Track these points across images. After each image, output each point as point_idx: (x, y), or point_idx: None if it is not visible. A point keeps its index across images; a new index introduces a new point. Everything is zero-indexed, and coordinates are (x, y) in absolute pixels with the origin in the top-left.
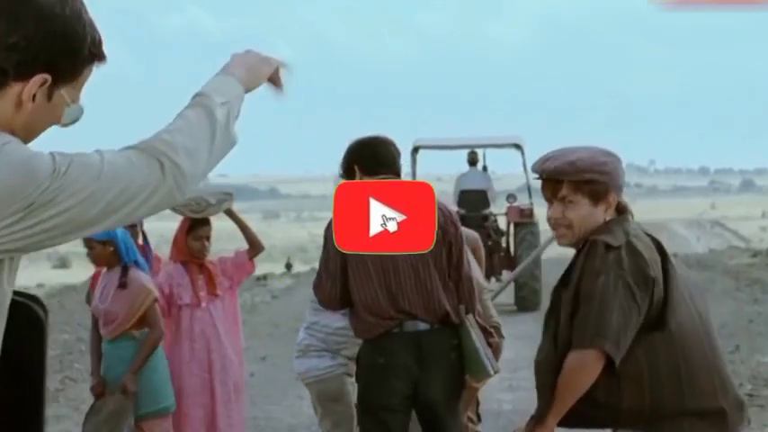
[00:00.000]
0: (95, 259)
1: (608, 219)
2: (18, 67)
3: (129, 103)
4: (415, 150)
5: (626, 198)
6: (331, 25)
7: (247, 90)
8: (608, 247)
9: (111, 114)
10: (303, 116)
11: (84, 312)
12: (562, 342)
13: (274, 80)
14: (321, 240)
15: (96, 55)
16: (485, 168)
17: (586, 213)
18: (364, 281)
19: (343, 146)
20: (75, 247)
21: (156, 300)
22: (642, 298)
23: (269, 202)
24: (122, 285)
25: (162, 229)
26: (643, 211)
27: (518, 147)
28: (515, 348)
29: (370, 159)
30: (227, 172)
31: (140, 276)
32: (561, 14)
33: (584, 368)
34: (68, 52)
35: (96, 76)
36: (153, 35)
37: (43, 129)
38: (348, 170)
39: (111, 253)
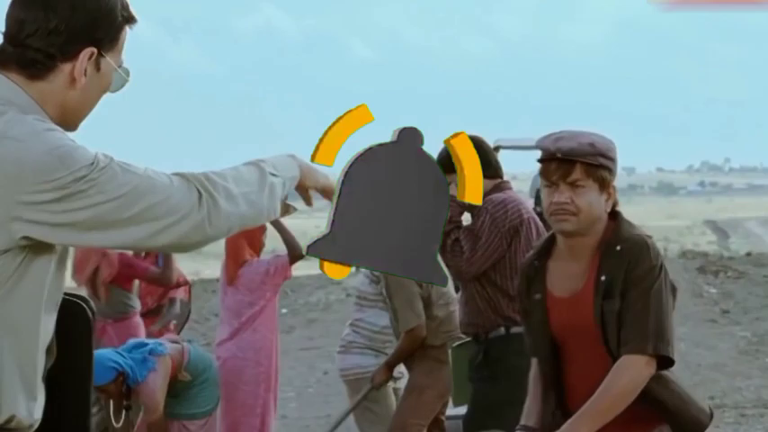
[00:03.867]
0: (112, 396)
1: (608, 210)
2: (63, 48)
3: (207, 103)
4: (496, 150)
5: (701, 197)
6: (407, 26)
7: (299, 184)
8: (655, 247)
9: (193, 114)
10: (377, 115)
11: None
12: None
13: (306, 197)
14: None
15: (127, 18)
16: None
17: (594, 201)
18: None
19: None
20: None
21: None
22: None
23: None
24: (127, 408)
25: None
26: (718, 210)
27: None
28: None
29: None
30: None
31: (145, 392)
32: (637, 16)
33: (643, 376)
34: (105, 22)
35: (176, 77)
36: (230, 35)
37: (98, 99)
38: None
39: (121, 383)
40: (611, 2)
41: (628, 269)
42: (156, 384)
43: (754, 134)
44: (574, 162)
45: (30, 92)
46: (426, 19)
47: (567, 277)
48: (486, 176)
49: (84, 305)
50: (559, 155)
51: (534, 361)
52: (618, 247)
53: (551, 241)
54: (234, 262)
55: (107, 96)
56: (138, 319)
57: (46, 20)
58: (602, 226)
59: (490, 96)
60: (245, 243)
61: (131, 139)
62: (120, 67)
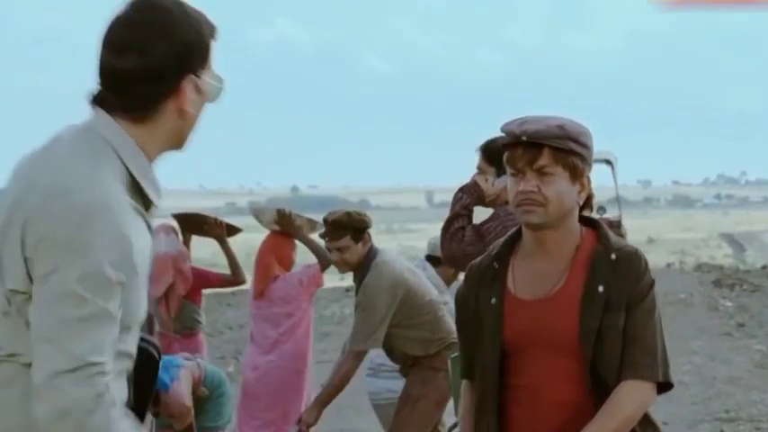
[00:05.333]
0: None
1: (580, 203)
2: (165, 88)
3: (221, 113)
4: None
5: (717, 209)
6: (420, 38)
7: None
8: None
9: (209, 125)
10: (393, 127)
11: None
12: (606, 378)
13: None
14: (411, 252)
15: (212, 34)
16: None
17: (564, 191)
18: None
19: (434, 157)
20: None
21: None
22: None
23: None
24: (155, 415)
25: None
26: (734, 223)
27: (608, 162)
28: None
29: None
30: (317, 183)
31: (174, 401)
32: (651, 25)
33: (649, 402)
34: (197, 48)
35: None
36: (245, 48)
37: (201, 114)
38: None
39: None
40: (624, 11)
41: (629, 282)
42: (183, 391)
43: None
44: (541, 146)
45: (134, 135)
46: (439, 30)
47: (535, 277)
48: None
49: (155, 351)
50: (525, 138)
51: (466, 387)
52: (613, 256)
53: (516, 238)
54: (263, 277)
55: None
56: (203, 336)
57: (143, 65)
58: (575, 222)
59: (503, 107)
60: (274, 260)
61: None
62: (214, 80)
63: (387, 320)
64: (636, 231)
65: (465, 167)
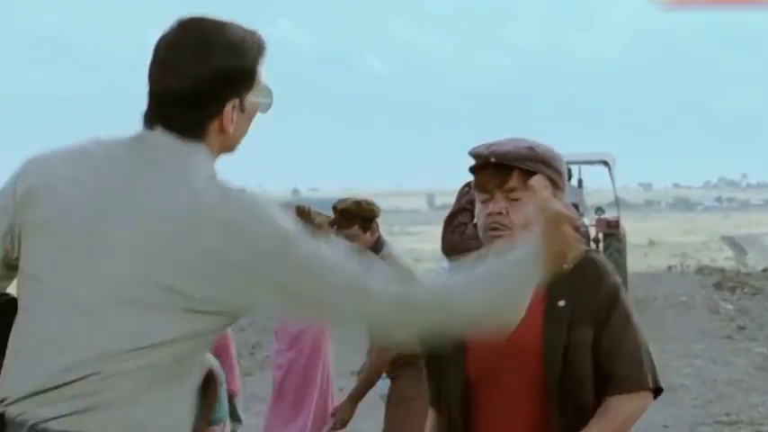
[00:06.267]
0: None
1: None
2: (205, 114)
3: None
4: None
5: (718, 212)
6: (421, 39)
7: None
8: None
9: None
10: (393, 128)
11: None
12: (576, 396)
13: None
14: (412, 255)
15: (260, 52)
16: (580, 182)
17: (531, 218)
18: None
19: (435, 159)
20: None
21: None
22: None
23: None
24: None
25: None
26: (735, 226)
27: (605, 163)
28: None
29: None
30: (318, 186)
31: None
32: (652, 28)
33: (644, 407)
34: (238, 75)
35: None
36: None
37: (249, 126)
38: None
39: None
40: (624, 11)
41: (588, 292)
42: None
43: None
44: (511, 169)
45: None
46: (439, 31)
47: None
48: None
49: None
50: (493, 159)
51: (432, 414)
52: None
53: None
54: None
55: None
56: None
57: (184, 89)
58: None
59: (504, 108)
60: None
61: None
62: (261, 97)
63: None
64: (637, 234)
65: (466, 169)
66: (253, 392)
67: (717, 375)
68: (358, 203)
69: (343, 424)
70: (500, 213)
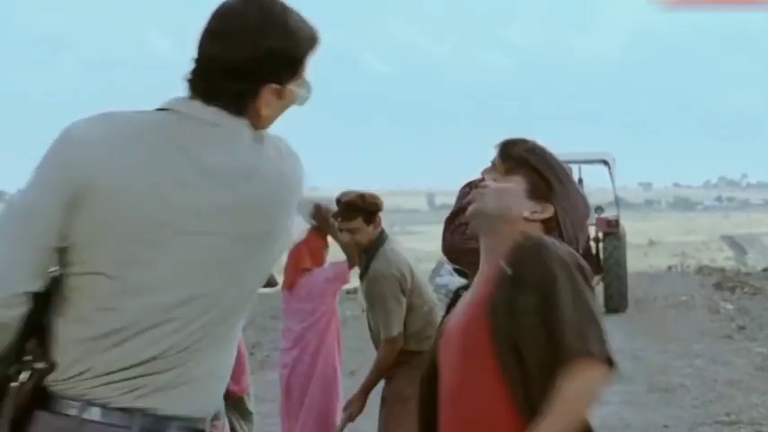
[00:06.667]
0: None
1: (529, 218)
2: (243, 88)
3: None
4: None
5: (718, 212)
6: (421, 39)
7: None
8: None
9: None
10: (393, 127)
11: None
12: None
13: None
14: (414, 254)
15: (311, 45)
16: (580, 182)
17: (513, 192)
18: None
19: (435, 159)
20: None
21: None
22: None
23: None
24: None
25: None
26: (735, 225)
27: (605, 163)
28: None
29: None
30: (318, 185)
31: None
32: (652, 27)
33: (598, 378)
34: (282, 59)
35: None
36: None
37: (277, 118)
38: None
39: None
40: (624, 11)
41: (533, 263)
42: None
43: None
44: (511, 156)
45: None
46: (439, 30)
47: (469, 294)
48: None
49: None
50: (495, 146)
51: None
52: (513, 244)
53: None
54: (294, 269)
55: None
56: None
57: (228, 57)
58: (513, 235)
59: (504, 108)
60: (306, 253)
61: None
62: (301, 88)
63: (402, 301)
64: (637, 234)
65: (466, 169)
66: (253, 392)
67: (717, 375)
68: (362, 196)
69: (354, 418)
70: (483, 180)
